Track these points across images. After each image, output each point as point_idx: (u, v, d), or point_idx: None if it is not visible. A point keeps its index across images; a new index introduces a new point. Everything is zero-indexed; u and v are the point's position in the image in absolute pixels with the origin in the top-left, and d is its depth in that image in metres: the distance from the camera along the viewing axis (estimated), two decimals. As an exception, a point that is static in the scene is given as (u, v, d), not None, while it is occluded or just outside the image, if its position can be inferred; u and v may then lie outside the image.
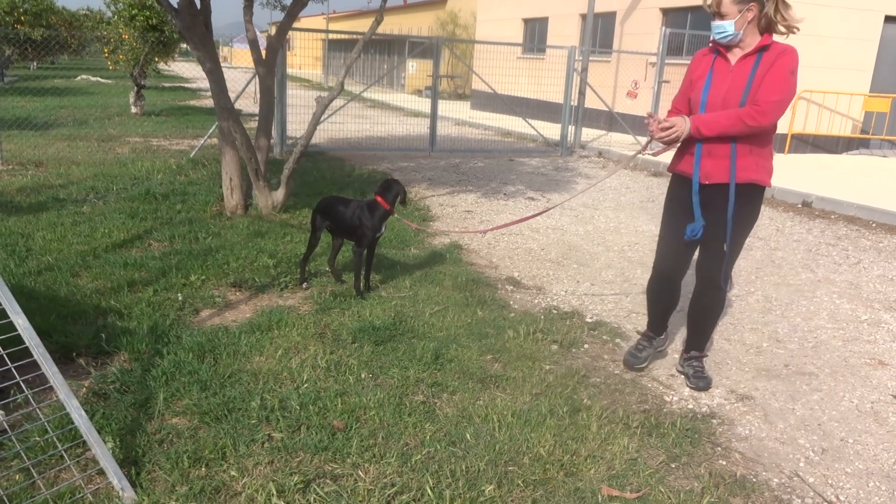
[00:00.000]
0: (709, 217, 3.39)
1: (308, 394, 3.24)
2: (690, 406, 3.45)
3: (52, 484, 2.53)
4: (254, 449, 2.82)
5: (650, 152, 3.86)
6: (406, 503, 2.53)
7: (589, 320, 4.52)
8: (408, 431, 3.01)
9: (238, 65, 28.54)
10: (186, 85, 26.48)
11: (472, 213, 7.62)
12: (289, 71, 13.49)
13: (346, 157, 11.00)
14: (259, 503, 2.50)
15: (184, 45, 16.13)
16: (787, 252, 6.54)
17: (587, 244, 6.51)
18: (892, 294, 5.42)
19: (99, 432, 2.67)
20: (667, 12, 15.44)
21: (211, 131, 9.89)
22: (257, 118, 7.09)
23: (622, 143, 13.88)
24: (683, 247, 3.53)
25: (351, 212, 4.58)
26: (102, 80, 25.08)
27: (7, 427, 2.80)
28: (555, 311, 4.63)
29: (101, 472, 2.57)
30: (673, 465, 2.89)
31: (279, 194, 6.80)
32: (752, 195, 3.34)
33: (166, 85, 26.12)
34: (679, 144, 3.49)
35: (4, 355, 2.58)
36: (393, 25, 35.45)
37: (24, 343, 2.51)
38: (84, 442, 2.62)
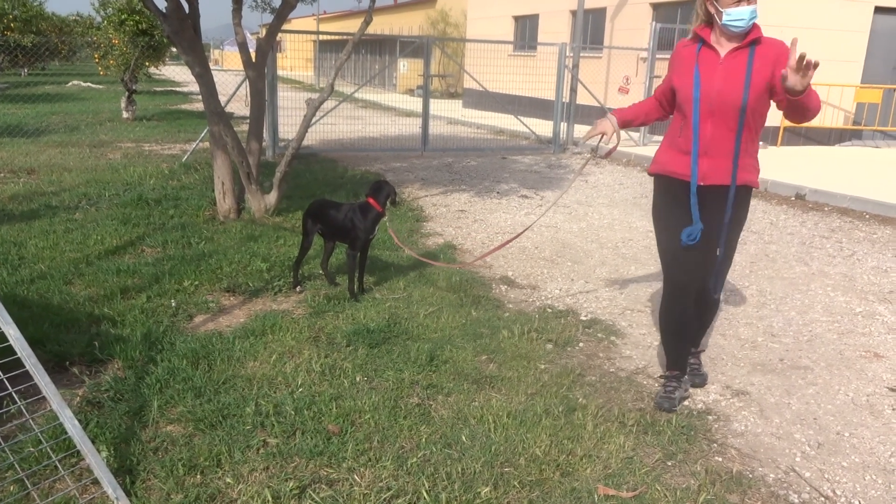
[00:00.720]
0: (725, 223, 3.19)
1: (303, 398, 3.23)
2: (686, 403, 3.45)
3: (46, 494, 2.52)
4: (249, 455, 2.81)
5: (601, 155, 3.76)
6: (402, 507, 2.52)
7: (584, 318, 4.52)
8: (403, 434, 3.00)
9: (229, 67, 28.50)
10: (178, 89, 26.41)
11: (466, 212, 7.61)
12: (280, 73, 13.47)
13: (338, 159, 10.98)
14: (255, 510, 2.49)
15: (174, 49, 16.06)
16: (780, 245, 6.55)
17: (581, 241, 6.51)
18: (886, 286, 5.43)
19: (93, 441, 2.66)
20: (657, 7, 15.45)
21: (203, 135, 9.87)
22: (248, 121, 7.08)
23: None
24: (690, 254, 3.23)
25: (343, 214, 4.57)
26: (93, 86, 25.00)
27: (0, 438, 2.78)
28: (549, 310, 4.63)
29: (96, 482, 2.55)
30: (669, 463, 2.89)
31: (272, 197, 6.78)
32: (746, 197, 3.24)
33: (158, 89, 26.04)
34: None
35: (-4, 367, 2.57)
36: (383, 25, 35.40)
37: (16, 354, 2.49)
38: (78, 451, 2.60)
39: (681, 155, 3.22)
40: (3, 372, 2.59)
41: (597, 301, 4.90)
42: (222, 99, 6.85)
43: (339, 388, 3.38)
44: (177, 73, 27.70)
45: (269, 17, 7.94)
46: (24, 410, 2.74)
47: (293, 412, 3.12)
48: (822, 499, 2.71)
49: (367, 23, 6.49)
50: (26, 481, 2.55)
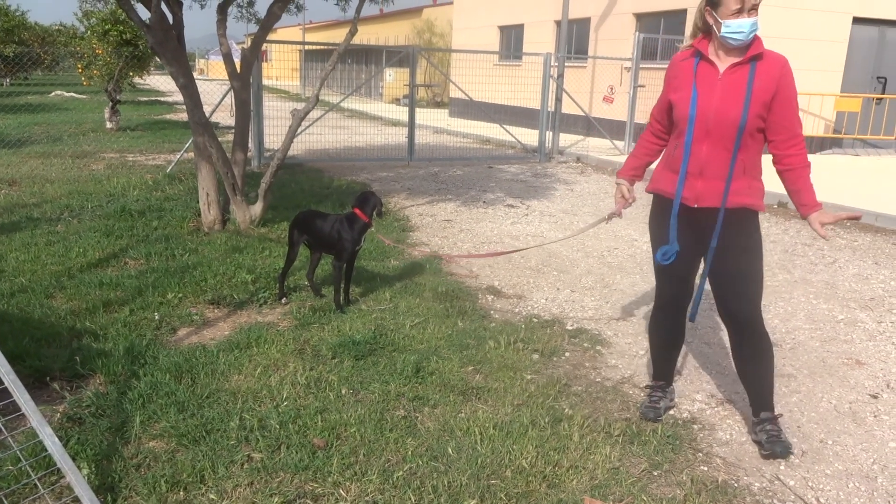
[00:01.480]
0: (688, 245, 3.10)
1: (288, 412, 3.21)
2: (671, 412, 3.45)
3: (25, 514, 2.48)
4: (233, 471, 2.78)
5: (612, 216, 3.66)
6: (388, 521, 2.51)
7: (570, 328, 4.53)
8: (389, 447, 2.99)
9: (214, 77, 28.41)
10: (162, 99, 26.30)
11: (452, 222, 7.62)
12: (266, 82, 13.44)
13: (324, 169, 10.96)
14: (239, 526, 2.46)
15: (159, 59, 16.03)
16: (763, 253, 6.60)
17: (567, 251, 6.52)
18: (867, 293, 5.48)
19: (74, 459, 2.62)
20: (640, 17, 15.58)
21: (187, 146, 9.82)
22: (233, 131, 7.05)
23: (600, 147, 13.96)
24: (681, 271, 3.20)
25: (329, 225, 4.56)
26: (77, 96, 24.83)
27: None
28: (535, 320, 4.63)
29: (77, 500, 2.51)
30: (655, 473, 2.90)
31: (257, 208, 6.75)
32: (745, 220, 3.00)
33: (142, 99, 25.90)
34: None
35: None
36: (370, 35, 35.46)
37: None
38: (58, 469, 2.57)
39: (673, 174, 3.09)
40: (-18, 389, 2.55)
41: (582, 310, 4.91)
42: (207, 109, 6.82)
43: (324, 401, 3.36)
44: (161, 83, 27.59)
45: (254, 28, 7.93)
46: (2, 428, 2.70)
47: (278, 426, 3.09)
48: (807, 508, 2.73)
49: (352, 33, 6.50)
50: (4, 501, 2.51)
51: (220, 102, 10.50)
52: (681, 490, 2.78)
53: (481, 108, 14.38)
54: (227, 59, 6.93)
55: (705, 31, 3.02)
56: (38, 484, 2.58)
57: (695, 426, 3.32)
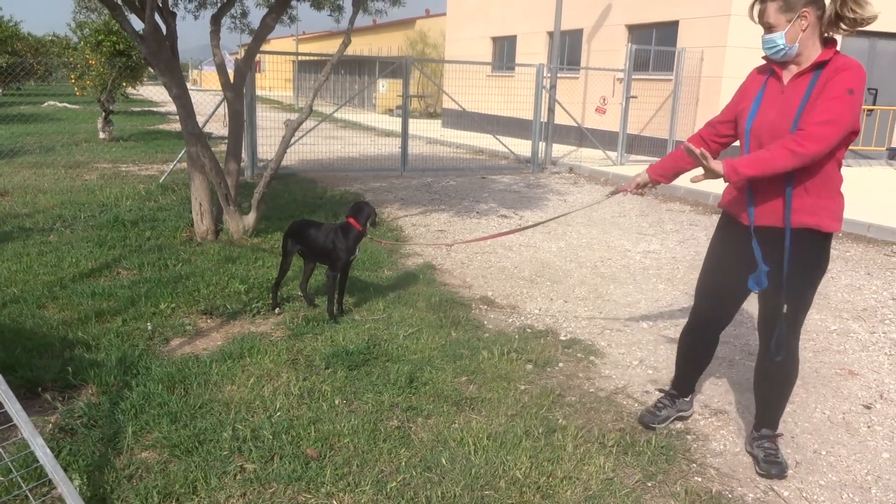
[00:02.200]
0: (762, 270, 2.88)
1: (281, 422, 3.20)
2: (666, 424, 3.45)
3: (16, 526, 2.46)
4: (226, 481, 2.77)
5: (613, 192, 3.56)
6: (382, 533, 2.50)
7: (563, 338, 4.53)
8: (382, 458, 2.98)
9: (208, 87, 28.40)
10: (156, 109, 26.27)
11: (445, 232, 7.62)
12: (260, 93, 13.45)
13: (317, 179, 10.97)
14: (231, 538, 2.45)
15: (152, 70, 16.03)
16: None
17: (560, 261, 6.54)
18: (859, 303, 5.51)
19: (66, 470, 2.60)
20: (632, 29, 15.69)
21: (181, 156, 9.82)
22: (227, 142, 7.05)
23: (592, 158, 14.01)
24: (727, 294, 3.12)
25: (324, 235, 4.56)
26: (70, 106, 24.77)
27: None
28: (529, 330, 4.64)
29: (68, 512, 2.50)
30: (649, 484, 2.89)
31: (250, 218, 6.74)
32: (807, 243, 2.81)
33: (135, 109, 25.88)
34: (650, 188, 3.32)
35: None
36: (363, 46, 35.57)
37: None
38: (50, 480, 2.55)
39: (736, 192, 2.97)
40: (-27, 400, 2.53)
41: (576, 321, 4.91)
42: (200, 119, 6.82)
43: (317, 411, 3.35)
44: (155, 93, 27.58)
45: (247, 38, 7.94)
46: (-7, 439, 2.68)
47: (271, 437, 3.08)
48: (801, 518, 2.73)
49: (345, 44, 6.52)
50: (-5, 512, 2.49)
51: (213, 113, 10.50)
52: (675, 501, 2.78)
53: (474, 118, 14.43)
54: (221, 69, 6.94)
55: None
56: (30, 495, 2.56)
57: (689, 436, 3.32)
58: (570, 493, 2.77)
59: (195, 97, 7.14)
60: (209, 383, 3.59)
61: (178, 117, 6.63)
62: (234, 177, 6.78)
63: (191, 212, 6.74)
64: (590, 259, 6.66)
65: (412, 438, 3.15)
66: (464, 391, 3.63)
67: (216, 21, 6.95)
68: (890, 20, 13.68)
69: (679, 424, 3.44)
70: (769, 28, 2.74)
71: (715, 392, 3.83)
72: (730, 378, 4.03)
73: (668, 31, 14.56)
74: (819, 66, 2.70)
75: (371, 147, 14.85)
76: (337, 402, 3.46)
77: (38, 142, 14.05)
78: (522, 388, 3.72)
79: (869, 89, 14.23)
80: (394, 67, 14.15)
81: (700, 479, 2.96)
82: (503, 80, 19.25)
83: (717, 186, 3.16)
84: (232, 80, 6.91)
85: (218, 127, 14.63)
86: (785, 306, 2.88)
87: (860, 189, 10.90)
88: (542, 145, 13.34)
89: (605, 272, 6.22)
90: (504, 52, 20.88)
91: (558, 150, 14.82)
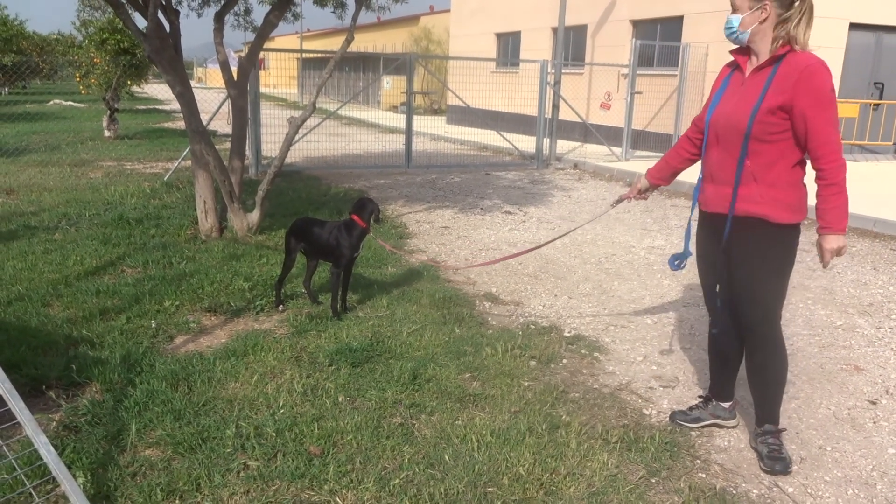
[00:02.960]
0: (710, 254, 3.09)
1: (284, 420, 3.20)
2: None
3: (20, 524, 2.46)
4: (229, 479, 2.77)
5: (617, 201, 3.72)
6: (385, 529, 2.50)
7: (567, 335, 4.52)
8: (386, 455, 2.98)
9: (213, 85, 28.43)
10: (160, 107, 26.32)
11: (449, 228, 7.61)
12: (264, 90, 13.46)
13: (322, 176, 10.97)
14: (234, 535, 2.45)
15: (156, 68, 16.06)
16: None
17: (564, 257, 6.52)
18: (865, 298, 5.48)
19: (69, 467, 2.61)
20: (637, 24, 15.63)
21: (185, 154, 9.82)
22: (231, 139, 7.05)
23: (597, 154, 13.98)
24: (711, 282, 3.19)
25: (328, 232, 4.55)
26: (75, 105, 24.84)
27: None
28: (533, 327, 4.63)
29: (72, 509, 2.50)
30: (653, 480, 2.89)
31: (254, 216, 6.75)
32: (753, 231, 2.89)
33: (140, 107, 25.93)
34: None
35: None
36: (367, 42, 35.53)
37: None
38: (54, 479, 2.55)
39: (702, 182, 3.13)
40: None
41: (580, 317, 4.90)
42: (204, 117, 6.83)
43: (321, 408, 3.35)
44: (159, 91, 27.65)
45: (251, 36, 7.94)
46: (-2, 437, 2.69)
47: (274, 434, 3.08)
48: (806, 514, 2.72)
49: (348, 41, 6.51)
50: (0, 509, 2.50)
51: (217, 110, 10.50)
52: (679, 497, 2.77)
53: (478, 115, 14.41)
54: (224, 67, 6.94)
55: None
56: (34, 493, 2.57)
57: (693, 433, 3.31)
58: (574, 490, 2.76)
59: (200, 95, 7.15)
60: (213, 381, 3.60)
61: (182, 115, 6.63)
62: (239, 174, 6.79)
63: (195, 209, 6.75)
64: (594, 255, 6.64)
65: (415, 435, 3.15)
66: (467, 388, 3.62)
67: (220, 19, 6.94)
68: (896, 14, 13.61)
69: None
70: (734, 9, 2.85)
71: (719, 388, 3.81)
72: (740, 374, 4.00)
73: (672, 26, 14.50)
74: (777, 60, 2.79)
75: (375, 144, 14.86)
76: (340, 399, 3.46)
77: (43, 140, 14.09)
78: (526, 384, 3.71)
79: (875, 84, 14.15)
80: (398, 64, 14.13)
81: (704, 476, 2.95)
82: (507, 76, 19.23)
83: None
84: (236, 78, 6.91)
85: (222, 125, 14.64)
86: (718, 287, 3.08)
87: (866, 184, 10.84)
88: (546, 141, 13.31)
89: (610, 268, 6.20)
90: (508, 49, 20.83)
91: (563, 146, 14.79)
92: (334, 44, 36.25)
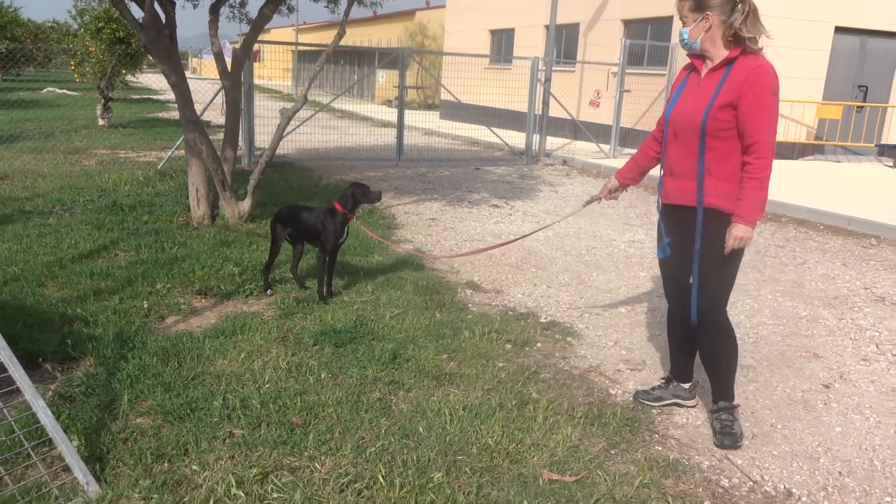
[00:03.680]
0: (677, 243, 3.27)
1: (269, 393, 3.38)
2: (626, 398, 3.65)
3: (19, 479, 2.64)
4: (215, 445, 2.95)
5: (589, 201, 3.92)
6: (359, 490, 2.69)
7: (543, 321, 4.72)
8: (364, 426, 3.17)
9: (207, 76, 28.47)
10: (155, 97, 26.38)
11: (437, 220, 7.80)
12: (259, 82, 13.59)
13: (313, 168, 11.13)
14: (219, 494, 2.64)
15: (151, 58, 16.12)
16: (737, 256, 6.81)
17: (546, 249, 6.72)
18: (832, 291, 5.70)
19: (65, 431, 2.79)
20: (628, 23, 15.82)
21: (178, 143, 9.97)
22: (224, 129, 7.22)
23: (586, 150, 14.18)
24: (669, 272, 3.41)
25: (314, 218, 4.74)
26: (69, 93, 24.87)
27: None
28: (511, 313, 4.83)
29: (67, 469, 2.68)
30: (612, 452, 3.09)
31: (245, 204, 6.92)
32: (716, 222, 3.08)
33: (134, 97, 25.99)
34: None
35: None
36: (363, 36, 35.63)
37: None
38: (50, 440, 2.73)
39: (662, 177, 3.34)
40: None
41: (557, 305, 5.10)
42: (198, 107, 6.98)
43: (304, 384, 3.54)
44: (154, 81, 27.64)
45: (247, 28, 8.09)
46: (-2, 401, 2.87)
47: (259, 406, 3.27)
48: (751, 483, 2.92)
49: (340, 35, 6.68)
50: (0, 468, 2.67)
51: (211, 101, 10.65)
52: (635, 467, 2.97)
53: (471, 110, 14.58)
54: (219, 58, 7.09)
55: None
56: (32, 452, 2.75)
57: (654, 411, 3.51)
58: (537, 459, 2.96)
59: (194, 85, 7.30)
60: (202, 357, 3.78)
61: (176, 105, 6.79)
62: (231, 163, 6.95)
63: (188, 197, 6.91)
64: (575, 248, 6.84)
65: (393, 409, 3.34)
66: (444, 367, 3.81)
67: (215, 10, 7.09)
68: (880, 19, 13.87)
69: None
70: (683, 22, 3.11)
71: (684, 372, 4.02)
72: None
73: (662, 26, 14.69)
74: (729, 62, 3.01)
75: (368, 137, 15.02)
76: (323, 375, 3.65)
77: (37, 127, 14.19)
78: (500, 365, 3.91)
79: (859, 86, 14.41)
80: (391, 58, 14.28)
81: (660, 448, 3.15)
82: (501, 72, 19.41)
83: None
84: (229, 69, 7.07)
85: (217, 115, 14.76)
86: (692, 278, 3.21)
87: (845, 183, 11.08)
88: (536, 137, 13.50)
89: (590, 260, 6.41)
90: (502, 45, 21.00)
91: (553, 142, 14.98)
92: (329, 37, 36.33)
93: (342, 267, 5.43)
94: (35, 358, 3.64)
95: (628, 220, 8.33)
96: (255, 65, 12.62)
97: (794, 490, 2.90)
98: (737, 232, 3.00)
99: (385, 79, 28.83)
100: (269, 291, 4.95)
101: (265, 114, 11.34)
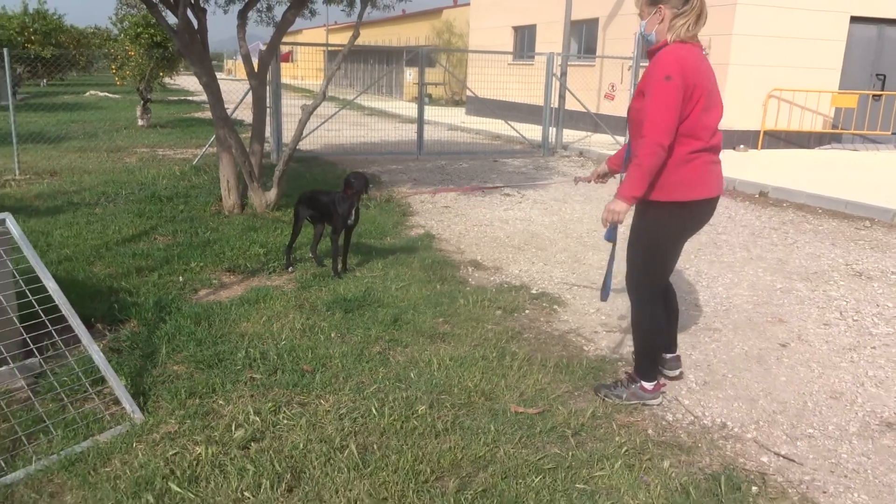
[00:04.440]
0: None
1: (285, 348, 3.95)
2: (604, 354, 4.13)
3: (79, 409, 3.24)
4: (238, 386, 3.52)
5: (578, 180, 4.11)
6: (354, 419, 3.23)
7: (534, 292, 5.21)
8: (364, 373, 3.71)
9: (242, 77, 29.33)
10: (191, 98, 27.34)
11: (450, 208, 8.32)
12: (291, 82, 14.22)
13: (338, 162, 11.73)
14: (239, 421, 3.20)
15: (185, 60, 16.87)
16: (731, 235, 7.21)
17: (549, 232, 7.20)
18: (812, 268, 6.07)
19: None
20: (646, 18, 16.09)
21: (212, 140, 10.63)
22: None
23: (603, 143, 14.56)
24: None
25: (329, 200, 5.34)
26: (110, 95, 25.98)
27: (47, 369, 3.52)
28: (505, 286, 5.32)
29: (117, 402, 3.27)
30: (576, 393, 3.58)
31: (272, 194, 7.52)
32: (640, 208, 3.33)
33: (172, 98, 26.98)
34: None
35: (41, 312, 3.30)
36: (391, 35, 36.28)
37: (54, 308, 3.22)
38: (103, 379, 3.32)
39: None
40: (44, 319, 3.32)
41: (550, 279, 5.58)
42: (229, 107, 7.60)
43: (315, 341, 4.09)
44: (190, 83, 28.56)
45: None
46: (61, 346, 3.47)
47: (276, 357, 3.83)
48: (692, 417, 3.39)
49: (354, 37, 7.23)
50: (65, 398, 3.27)
51: (241, 100, 11.29)
52: (591, 405, 3.46)
53: (495, 105, 15.05)
54: (246, 59, 7.69)
55: None
56: (89, 387, 3.34)
57: (620, 362, 3.98)
58: (509, 397, 3.47)
59: (228, 86, 7.93)
60: (229, 320, 4.37)
61: (208, 104, 7.42)
62: (258, 156, 7.56)
63: (220, 189, 7.54)
64: (577, 231, 7.30)
65: (390, 361, 3.87)
66: (439, 329, 4.34)
67: (242, 16, 7.70)
68: None
69: (615, 355, 4.10)
70: (640, 15, 3.27)
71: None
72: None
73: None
74: (654, 53, 3.18)
75: (392, 132, 15.58)
76: (332, 335, 4.20)
77: (81, 128, 15.08)
78: (489, 327, 4.42)
79: (877, 75, 14.52)
80: (410, 57, 14.84)
81: (618, 392, 3.62)
82: (523, 68, 19.80)
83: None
84: (256, 70, 7.67)
85: (248, 115, 15.48)
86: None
87: (859, 171, 11.30)
88: (552, 130, 13.93)
89: (589, 242, 6.86)
90: (525, 41, 21.40)
91: (573, 135, 15.37)
92: (360, 37, 37.06)
93: (357, 247, 5.98)
94: (88, 319, 4.25)
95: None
96: (288, 65, 13.24)
97: (728, 423, 3.36)
98: (611, 206, 3.17)
99: (412, 76, 29.39)
100: (290, 269, 5.52)
101: (293, 111, 11.96)
